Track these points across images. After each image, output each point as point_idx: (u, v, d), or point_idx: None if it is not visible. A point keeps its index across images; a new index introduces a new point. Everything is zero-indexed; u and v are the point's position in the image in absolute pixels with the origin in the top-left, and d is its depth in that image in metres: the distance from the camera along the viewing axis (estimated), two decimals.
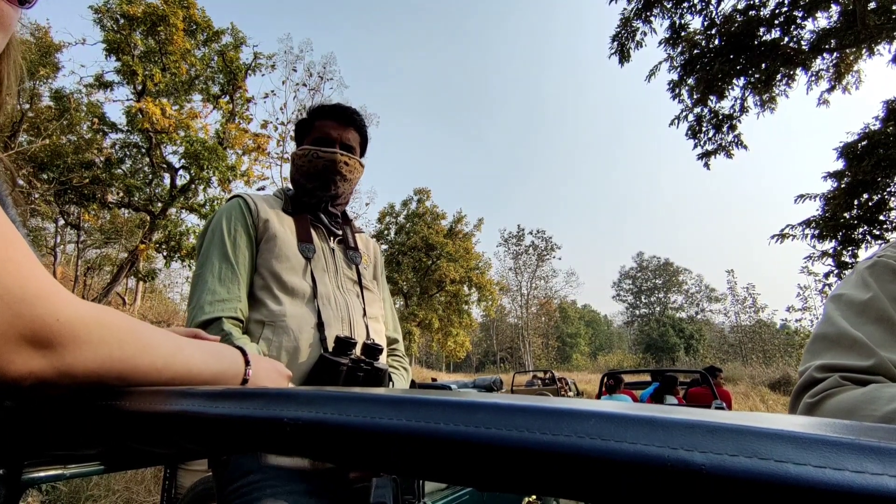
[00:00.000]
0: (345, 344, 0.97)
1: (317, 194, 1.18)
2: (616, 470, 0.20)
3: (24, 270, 0.33)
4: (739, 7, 7.62)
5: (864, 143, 7.26)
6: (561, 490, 0.22)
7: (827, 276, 8.19)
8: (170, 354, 0.42)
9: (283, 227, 1.11)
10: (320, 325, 1.02)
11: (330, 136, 1.16)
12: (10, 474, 0.43)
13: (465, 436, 0.24)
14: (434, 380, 12.35)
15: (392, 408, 0.26)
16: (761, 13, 7.45)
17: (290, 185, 1.27)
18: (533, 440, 0.22)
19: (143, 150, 11.55)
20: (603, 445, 0.21)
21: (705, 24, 7.86)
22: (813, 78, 7.98)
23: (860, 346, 0.69)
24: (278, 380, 0.61)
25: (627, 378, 8.49)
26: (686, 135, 8.81)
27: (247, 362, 0.53)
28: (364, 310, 1.13)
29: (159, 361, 0.41)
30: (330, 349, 0.99)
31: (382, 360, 1.07)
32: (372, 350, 1.01)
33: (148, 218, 11.74)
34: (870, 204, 7.44)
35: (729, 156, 8.67)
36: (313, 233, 1.15)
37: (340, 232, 1.21)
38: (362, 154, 1.25)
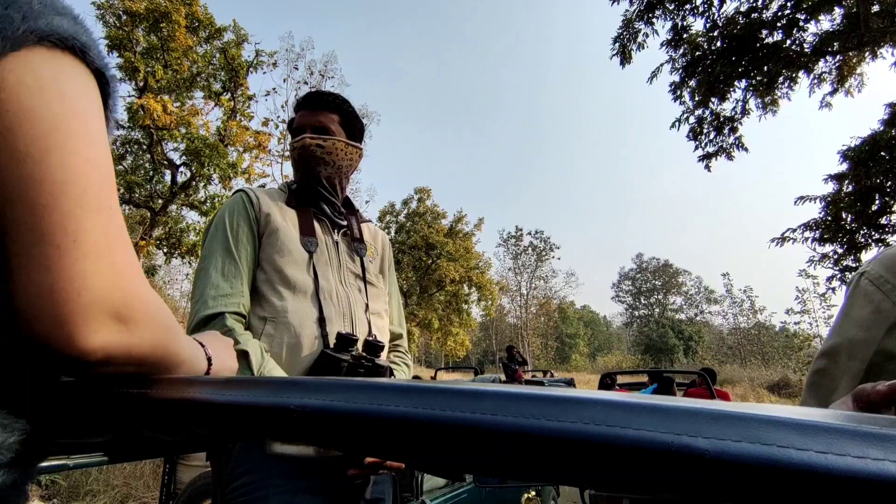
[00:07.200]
0: (346, 341, 0.97)
1: (310, 187, 1.17)
2: (620, 455, 0.21)
3: (122, 243, 0.33)
4: (742, 9, 7.62)
5: (868, 147, 7.22)
6: (566, 476, 0.23)
7: (830, 279, 8.14)
8: (182, 342, 0.42)
9: (286, 221, 1.10)
10: (322, 321, 1.02)
11: (301, 124, 1.17)
12: None
13: (472, 422, 0.24)
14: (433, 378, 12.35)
15: (398, 395, 0.26)
16: (763, 15, 7.44)
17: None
18: (538, 426, 0.22)
19: (145, 147, 11.55)
20: (608, 431, 0.21)
21: (707, 25, 7.85)
22: (815, 81, 7.96)
23: None
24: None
25: (625, 379, 8.51)
26: (687, 137, 8.80)
27: (209, 361, 0.51)
28: (366, 305, 1.12)
29: (179, 348, 0.40)
30: (331, 345, 0.99)
31: (384, 356, 1.07)
32: (373, 347, 1.01)
33: (148, 214, 11.74)
34: (873, 208, 7.42)
35: (730, 158, 8.66)
36: (316, 226, 1.13)
37: (345, 223, 1.20)
38: (352, 135, 1.21)
